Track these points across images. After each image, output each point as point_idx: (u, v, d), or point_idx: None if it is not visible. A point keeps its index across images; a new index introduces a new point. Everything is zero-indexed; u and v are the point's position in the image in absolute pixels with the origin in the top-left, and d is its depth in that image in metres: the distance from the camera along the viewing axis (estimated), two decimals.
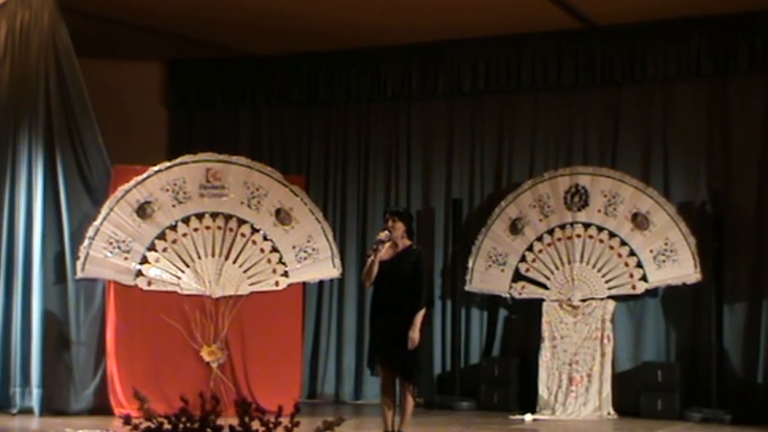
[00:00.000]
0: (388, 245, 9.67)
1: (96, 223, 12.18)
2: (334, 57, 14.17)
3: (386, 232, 9.65)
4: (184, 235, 12.34)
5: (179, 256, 12.31)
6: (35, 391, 12.01)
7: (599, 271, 12.67)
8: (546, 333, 12.65)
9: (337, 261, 12.70)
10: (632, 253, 12.59)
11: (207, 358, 12.18)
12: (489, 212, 13.29)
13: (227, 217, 12.41)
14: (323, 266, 12.65)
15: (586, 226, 12.75)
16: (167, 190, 12.34)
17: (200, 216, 12.38)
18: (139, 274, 12.24)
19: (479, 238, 13.21)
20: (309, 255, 12.55)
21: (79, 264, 12.10)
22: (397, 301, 9.56)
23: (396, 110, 14.14)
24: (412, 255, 9.67)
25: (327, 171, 14.34)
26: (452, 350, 13.35)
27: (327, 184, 14.30)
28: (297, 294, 12.60)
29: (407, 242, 9.75)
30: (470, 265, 13.16)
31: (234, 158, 12.59)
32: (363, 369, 13.01)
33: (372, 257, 9.61)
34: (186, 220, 12.35)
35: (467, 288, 13.21)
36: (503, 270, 13.06)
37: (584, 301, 12.61)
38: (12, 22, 12.18)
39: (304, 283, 12.76)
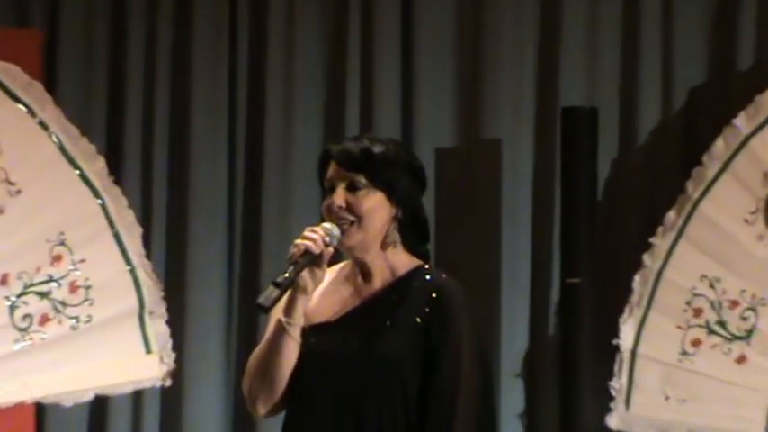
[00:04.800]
0: (339, 270, 2.96)
1: None
2: None
3: (324, 226, 2.84)
4: None
5: None
6: None
7: None
8: None
9: (159, 324, 4.88)
10: None
11: None
12: (689, 163, 4.80)
13: None
14: (110, 345, 4.90)
15: None
16: None
17: None
18: None
19: (663, 243, 4.68)
20: (59, 308, 4.79)
21: None
22: None
23: None
24: (418, 301, 2.82)
25: (122, 28, 5.29)
26: None
27: (124, 71, 5.22)
28: None
29: (404, 259, 2.89)
30: (629, 339, 4.71)
31: None
32: None
33: (285, 317, 2.88)
34: None
35: (614, 426, 4.72)
36: (740, 358, 4.78)
37: None
38: None
39: (38, 406, 4.99)
